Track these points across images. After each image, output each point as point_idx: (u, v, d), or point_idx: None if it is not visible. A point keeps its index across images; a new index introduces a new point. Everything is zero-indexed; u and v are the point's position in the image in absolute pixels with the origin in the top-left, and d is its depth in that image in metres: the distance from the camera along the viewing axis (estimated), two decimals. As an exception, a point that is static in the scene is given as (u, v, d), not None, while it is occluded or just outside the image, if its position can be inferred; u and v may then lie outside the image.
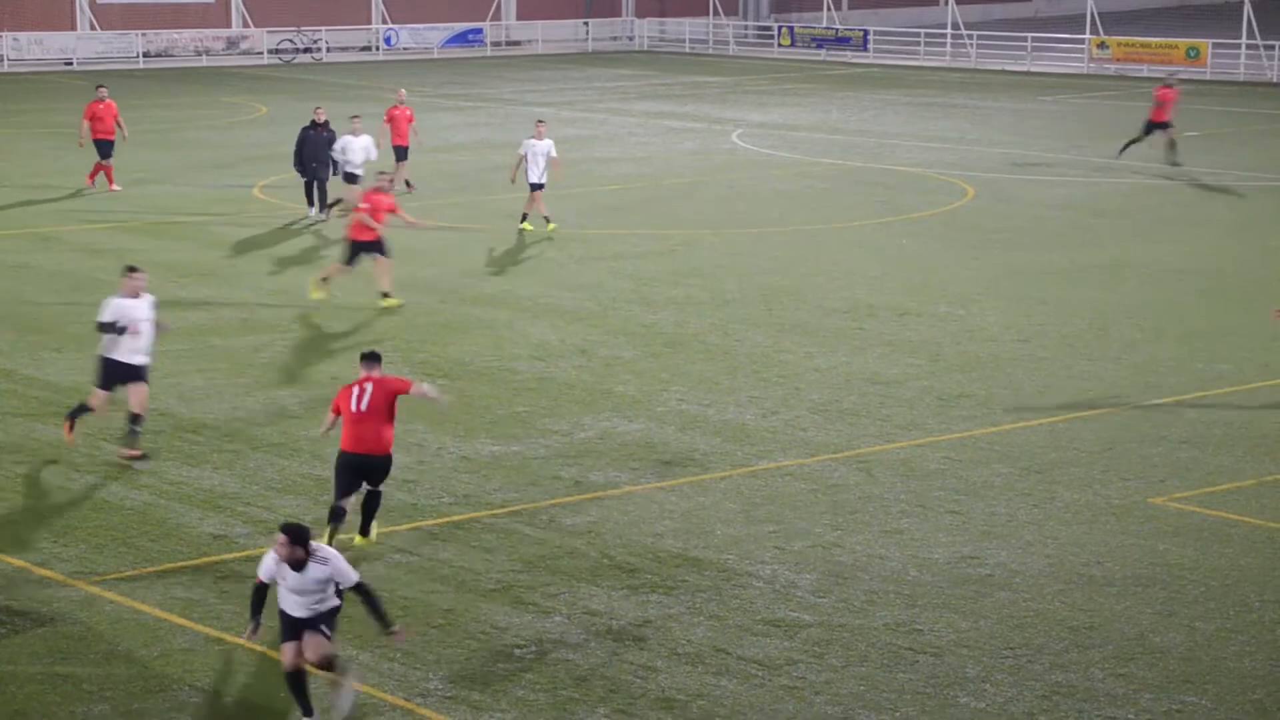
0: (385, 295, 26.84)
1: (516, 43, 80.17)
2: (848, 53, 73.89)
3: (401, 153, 37.69)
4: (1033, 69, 67.03)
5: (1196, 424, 20.91)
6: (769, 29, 79.74)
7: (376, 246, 26.75)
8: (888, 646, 14.45)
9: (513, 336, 25.13)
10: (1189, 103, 55.13)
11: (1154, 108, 42.19)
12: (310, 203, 34.62)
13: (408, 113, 37.79)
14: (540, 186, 32.75)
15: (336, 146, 33.70)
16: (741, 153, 45.93)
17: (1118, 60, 65.08)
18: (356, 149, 33.58)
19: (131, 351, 19.21)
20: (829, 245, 32.36)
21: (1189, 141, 46.39)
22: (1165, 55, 64.02)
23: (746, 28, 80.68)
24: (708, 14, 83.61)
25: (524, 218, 33.18)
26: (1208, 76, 62.12)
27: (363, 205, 26.90)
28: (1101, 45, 66.23)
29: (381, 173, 28.06)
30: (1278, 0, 68.62)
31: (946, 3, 75.69)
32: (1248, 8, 62.45)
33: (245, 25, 75.16)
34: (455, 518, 17.63)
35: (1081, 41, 67.27)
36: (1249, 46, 62.74)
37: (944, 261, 30.66)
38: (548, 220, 33.09)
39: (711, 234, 33.61)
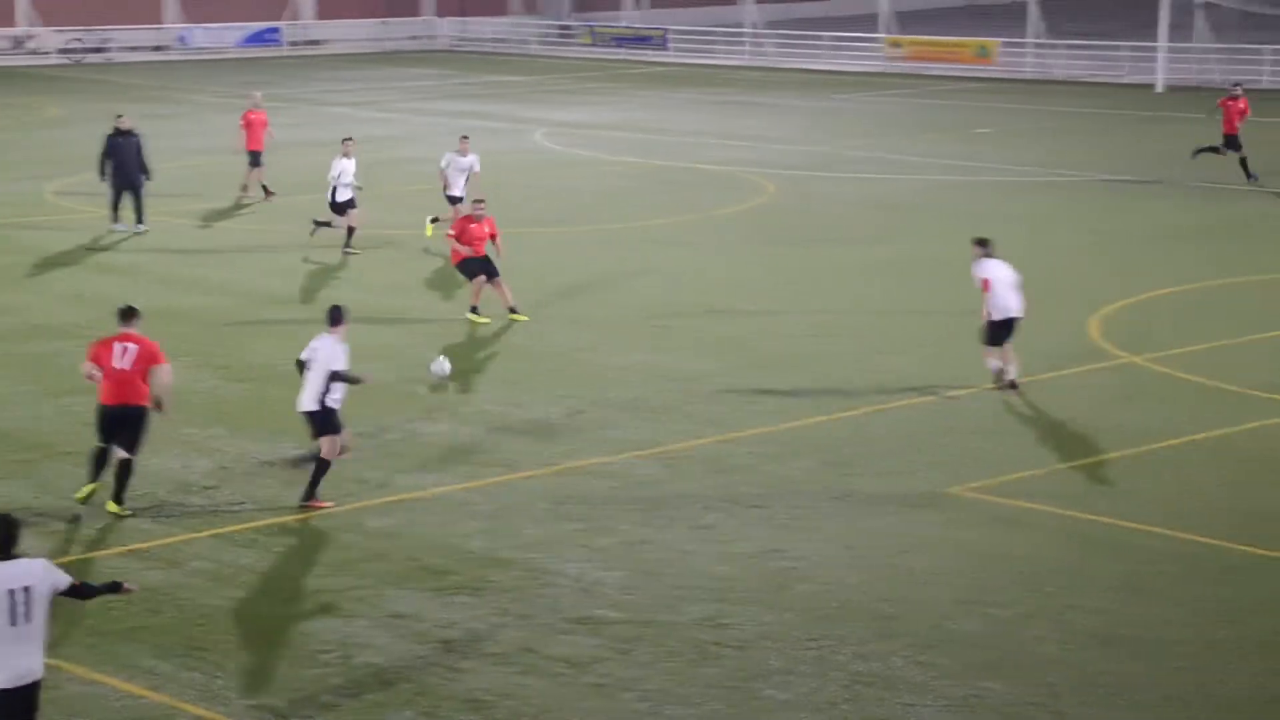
0: (512, 311, 26.11)
1: (315, 42, 79.40)
2: (648, 52, 74.28)
3: (256, 158, 36.82)
4: (830, 67, 67.91)
5: (991, 415, 21.35)
6: (570, 28, 79.91)
7: (484, 266, 26.06)
8: (694, 641, 14.57)
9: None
10: (981, 100, 56.21)
11: (1223, 119, 38.87)
12: (116, 216, 32.99)
13: (263, 117, 37.12)
14: (459, 200, 31.88)
15: (333, 172, 31.32)
16: (545, 152, 45.97)
17: (911, 59, 66.17)
18: (349, 171, 31.37)
19: None
20: (632, 243, 32.53)
21: (981, 139, 47.33)
22: (956, 53, 65.25)
23: (548, 27, 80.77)
24: (509, 13, 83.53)
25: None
26: (997, 75, 63.38)
27: (451, 232, 26.31)
28: (895, 44, 67.31)
29: (478, 201, 27.00)
30: (1061, 4, 70.21)
31: (741, 1, 76.41)
32: (1032, 8, 63.77)
33: (31, 24, 73.48)
34: (257, 523, 17.43)
35: (876, 40, 68.29)
36: (1036, 45, 64.13)
37: (746, 258, 30.96)
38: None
39: (516, 233, 33.59)
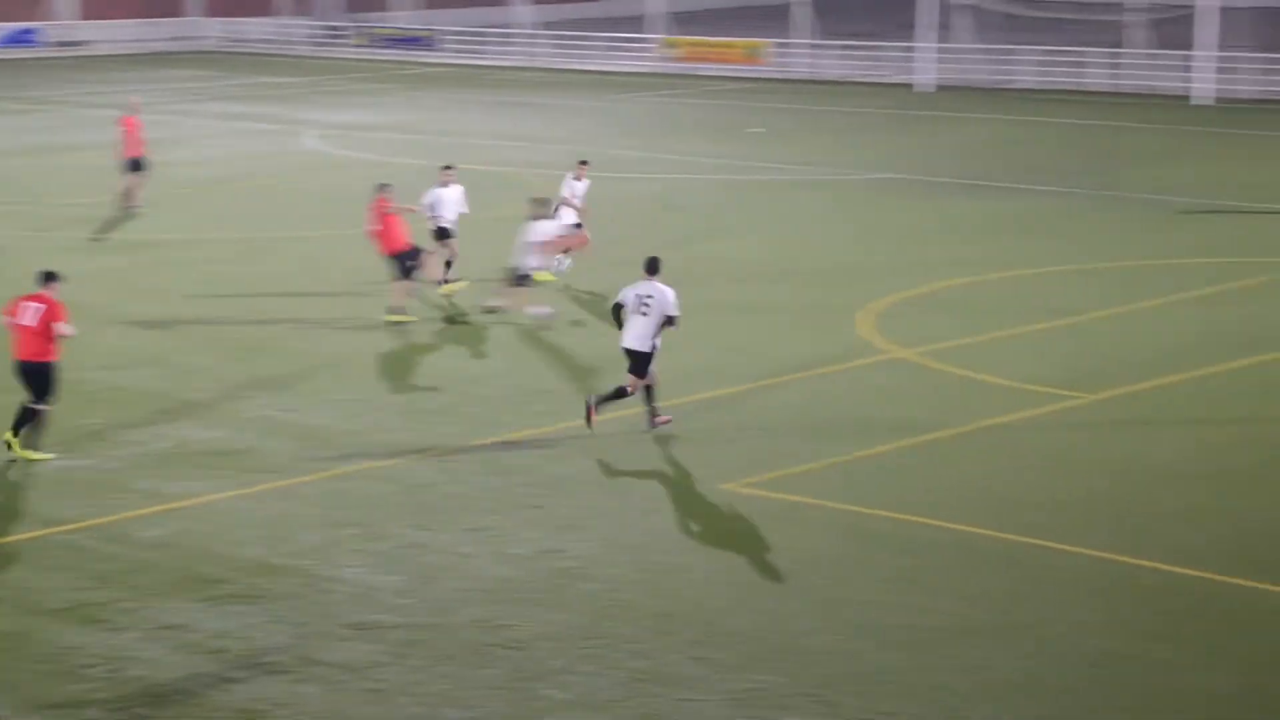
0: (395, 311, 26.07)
1: (78, 43, 77.60)
2: (420, 52, 73.89)
3: (135, 164, 35.48)
4: (605, 68, 68.17)
5: (765, 410, 21.59)
6: (340, 29, 79.13)
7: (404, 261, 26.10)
8: (473, 644, 14.52)
9: (80, 346, 24.33)
10: (753, 100, 56.84)
11: None
12: None
13: (140, 121, 35.98)
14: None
15: (424, 201, 28.36)
16: (319, 154, 45.49)
17: (685, 59, 66.69)
18: (449, 203, 28.43)
19: None
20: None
21: (755, 139, 47.86)
22: (729, 54, 65.91)
23: (317, 28, 79.90)
24: (277, 14, 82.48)
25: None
26: (769, 75, 64.13)
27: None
28: (670, 45, 67.77)
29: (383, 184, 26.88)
30: (830, 4, 71.29)
31: (512, 2, 76.37)
32: (803, 9, 64.64)
33: None
34: (21, 536, 17.01)
35: (651, 41, 68.70)
36: (807, 46, 65.00)
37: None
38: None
39: (289, 236, 33.19)
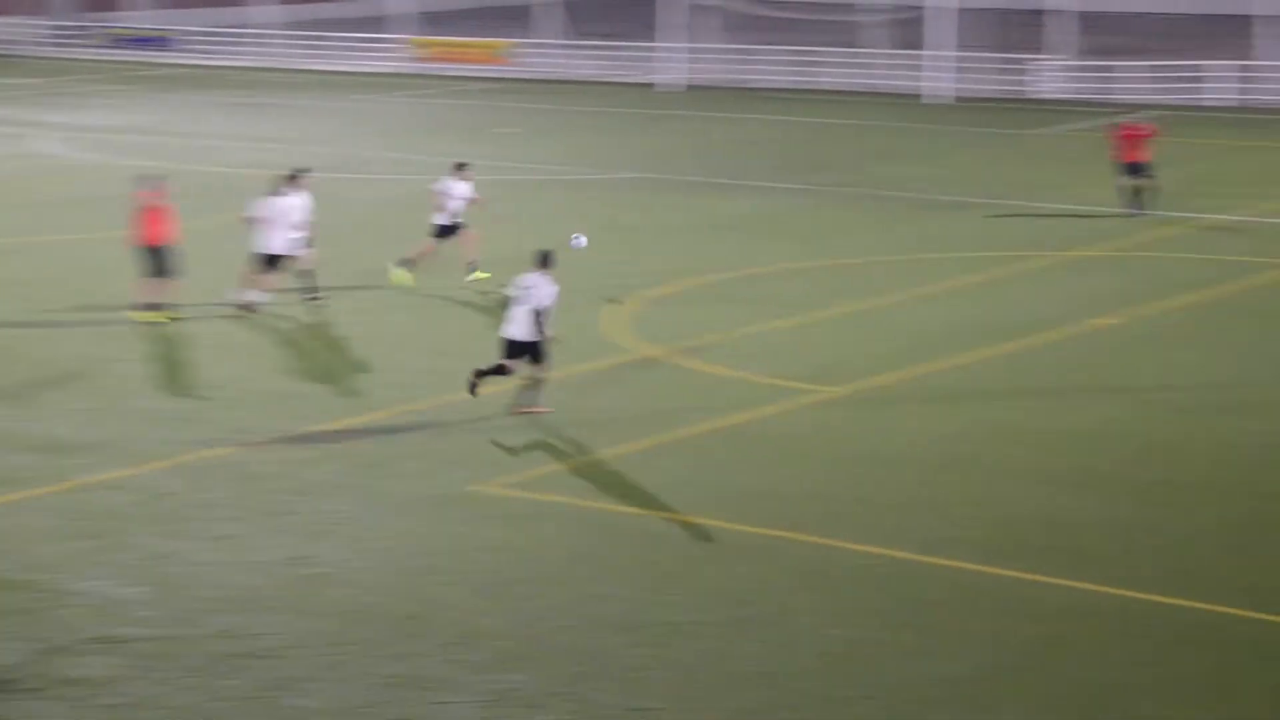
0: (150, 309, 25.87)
1: None
2: (162, 53, 72.37)
3: None
4: (350, 69, 67.48)
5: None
6: (78, 28, 77.16)
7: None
8: (219, 654, 14.26)
9: None
10: (503, 100, 56.80)
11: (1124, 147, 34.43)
12: None
13: None
14: (453, 229, 29.07)
15: (261, 210, 26.89)
16: (55, 158, 44.31)
17: (433, 59, 66.36)
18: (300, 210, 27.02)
19: None
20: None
21: (504, 139, 47.79)
22: (477, 54, 65.74)
23: (55, 27, 77.79)
24: (11, 13, 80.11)
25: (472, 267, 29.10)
26: (518, 75, 64.11)
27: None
28: (417, 45, 67.38)
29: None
30: (584, 4, 71.53)
31: (254, 1, 75.26)
32: (551, 9, 64.81)
33: None
34: None
35: (397, 41, 68.23)
36: (556, 46, 65.13)
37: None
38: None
39: (29, 242, 32.32)
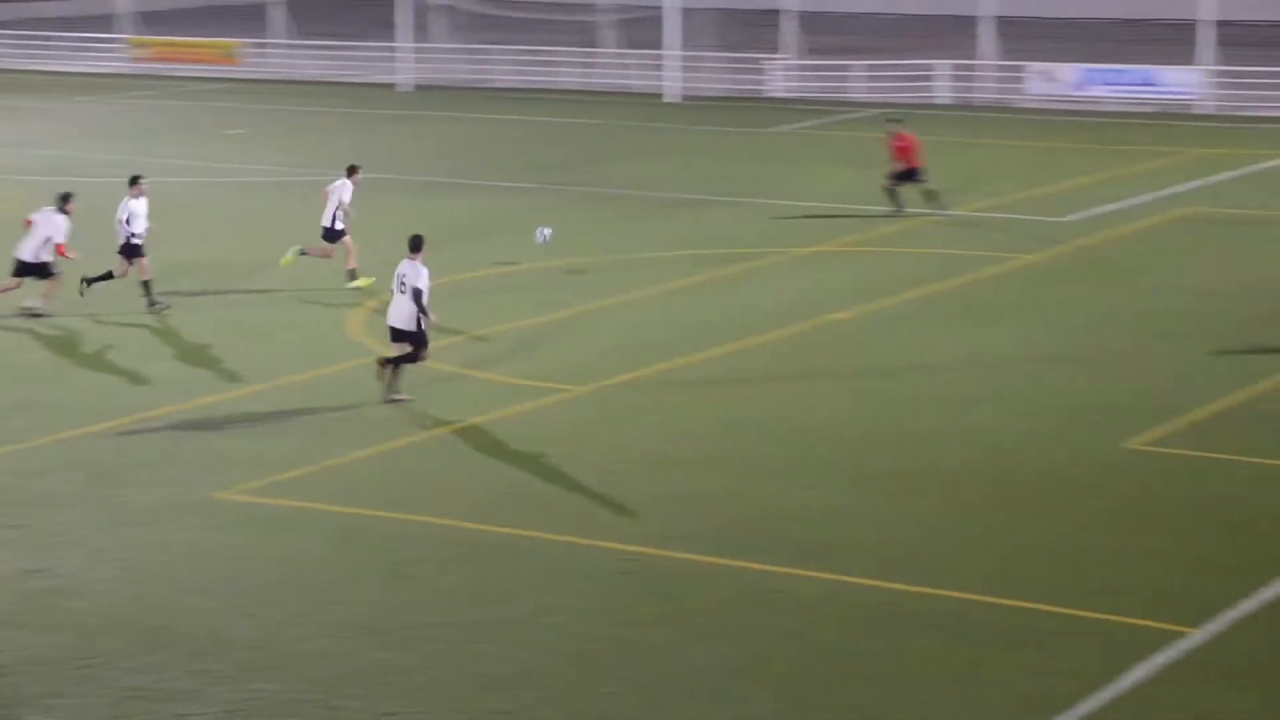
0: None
1: None
2: None
3: None
4: (71, 69, 65.65)
5: (259, 416, 21.23)
6: None
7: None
8: (-49, 674, 13.77)
9: None
10: (231, 101, 55.84)
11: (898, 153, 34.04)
12: None
13: None
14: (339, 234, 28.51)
15: (119, 216, 26.96)
16: None
17: (156, 60, 64.90)
18: (140, 216, 26.91)
19: None
20: None
21: (233, 140, 46.97)
22: (202, 54, 64.47)
23: None
24: None
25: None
26: (245, 75, 63.03)
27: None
28: (139, 45, 65.85)
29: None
30: (313, 4, 70.57)
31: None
32: (269, 11, 63.73)
33: None
34: None
35: (119, 41, 66.62)
36: (283, 45, 64.15)
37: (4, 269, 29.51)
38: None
39: None
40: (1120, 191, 36.40)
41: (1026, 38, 58.84)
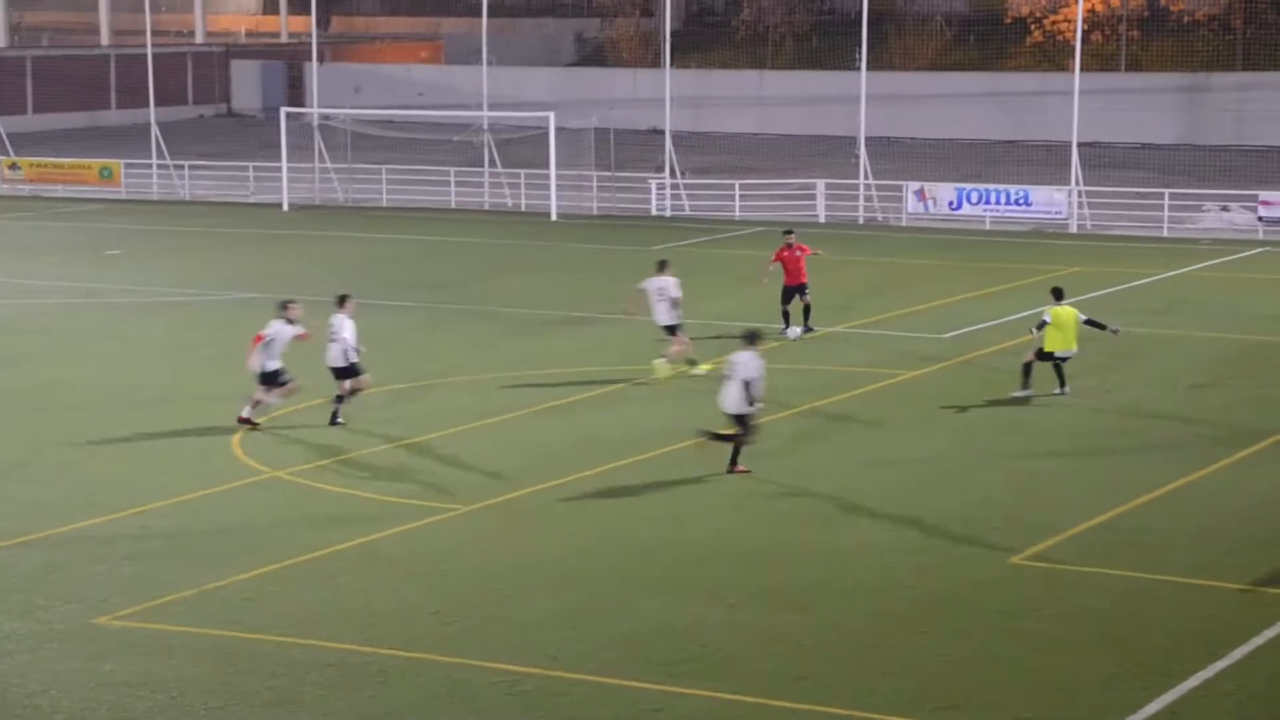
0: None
1: None
2: None
3: None
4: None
5: (139, 539, 20.98)
6: None
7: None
8: None
9: None
10: (110, 222, 55.48)
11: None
12: None
13: None
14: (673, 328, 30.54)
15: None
16: None
17: (32, 180, 64.46)
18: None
19: None
20: None
21: (113, 260, 46.62)
22: (80, 175, 64.09)
23: None
24: None
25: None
26: (124, 196, 62.71)
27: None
28: (13, 166, 65.37)
29: None
30: (184, 125, 70.38)
31: None
32: (155, 130, 63.60)
33: None
34: None
35: (-2, 162, 66.09)
36: (160, 166, 63.94)
37: None
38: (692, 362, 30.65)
39: None
40: (997, 308, 37.01)
41: (903, 158, 59.85)
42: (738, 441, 23.83)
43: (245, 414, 26.41)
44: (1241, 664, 16.95)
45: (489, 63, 61.12)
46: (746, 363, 23.72)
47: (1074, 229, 50.59)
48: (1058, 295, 28.67)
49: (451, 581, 19.44)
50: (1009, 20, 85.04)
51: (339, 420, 26.58)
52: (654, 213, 55.32)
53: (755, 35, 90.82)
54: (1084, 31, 55.08)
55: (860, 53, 55.28)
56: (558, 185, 55.20)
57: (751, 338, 24.10)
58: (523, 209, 56.44)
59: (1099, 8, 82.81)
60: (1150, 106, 74.09)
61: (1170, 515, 22.11)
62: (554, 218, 54.52)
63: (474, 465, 24.61)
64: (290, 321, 26.84)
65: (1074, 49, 53.53)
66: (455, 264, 45.69)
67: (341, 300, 27.01)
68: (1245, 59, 78.32)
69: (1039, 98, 73.76)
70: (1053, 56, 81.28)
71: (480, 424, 26.96)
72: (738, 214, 53.97)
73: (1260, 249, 47.09)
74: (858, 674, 16.71)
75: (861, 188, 53.93)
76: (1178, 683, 16.36)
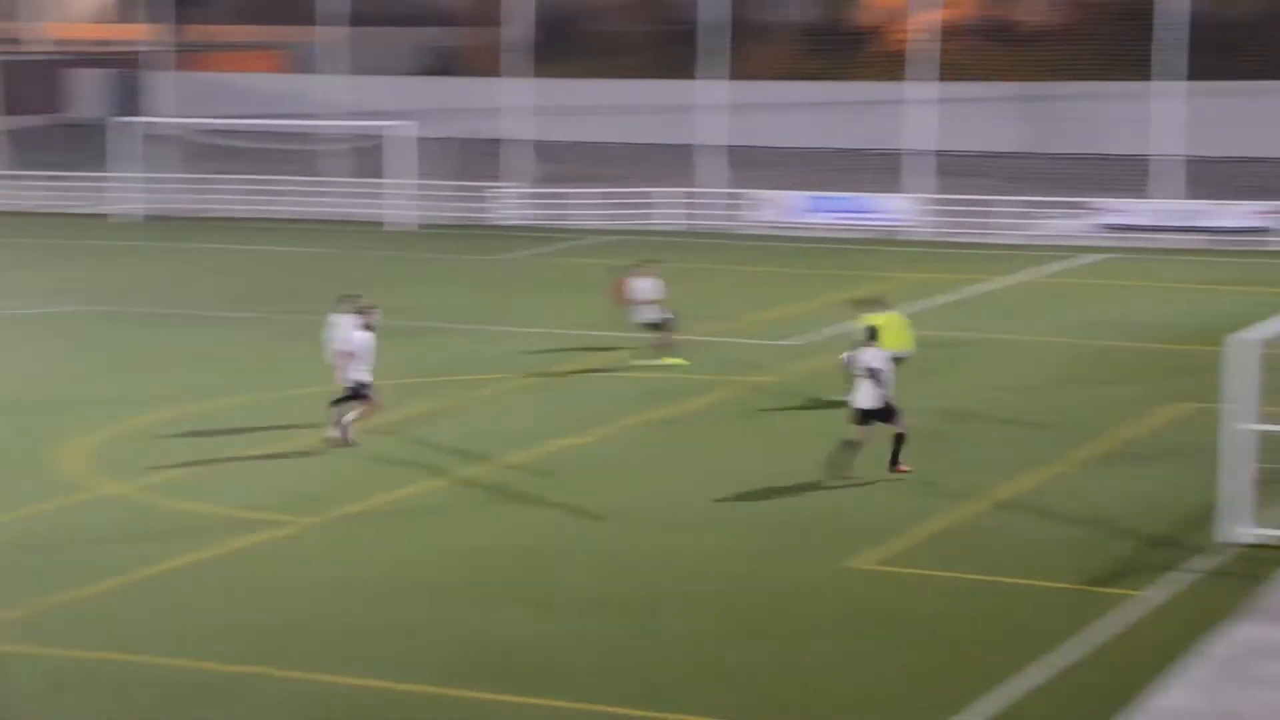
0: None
1: None
2: None
3: None
4: None
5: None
6: None
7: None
8: None
9: None
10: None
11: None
12: None
13: None
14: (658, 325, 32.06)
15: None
16: None
17: None
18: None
19: None
20: None
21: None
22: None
23: None
24: None
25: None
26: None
27: None
28: None
29: None
30: (31, 134, 69.18)
31: None
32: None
33: None
34: None
35: None
36: (4, 176, 62.78)
37: None
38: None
39: None
40: (840, 315, 37.34)
41: (748, 165, 60.26)
42: (899, 437, 23.96)
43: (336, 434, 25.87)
44: (1073, 661, 17.26)
45: (336, 72, 60.74)
46: (870, 356, 23.98)
47: (917, 236, 51.22)
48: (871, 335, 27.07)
49: (295, 595, 19.28)
50: (857, 30, 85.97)
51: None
52: (498, 222, 55.26)
53: (608, 45, 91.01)
54: (930, 41, 55.79)
55: (710, 61, 55.67)
56: (401, 195, 54.97)
57: (872, 335, 24.46)
58: (365, 218, 56.04)
59: (946, 17, 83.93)
60: (995, 115, 75.20)
61: (1005, 517, 22.47)
62: (400, 227, 54.28)
63: (312, 477, 24.43)
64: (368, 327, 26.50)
65: (919, 59, 54.28)
66: (299, 275, 45.30)
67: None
68: (1089, 69, 79.74)
69: (885, 106, 74.61)
70: (900, 66, 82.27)
71: (320, 437, 26.71)
72: (582, 222, 54.04)
73: (1100, 255, 47.98)
74: (696, 682, 16.78)
75: (707, 195, 54.25)
76: (1007, 678, 16.61)
